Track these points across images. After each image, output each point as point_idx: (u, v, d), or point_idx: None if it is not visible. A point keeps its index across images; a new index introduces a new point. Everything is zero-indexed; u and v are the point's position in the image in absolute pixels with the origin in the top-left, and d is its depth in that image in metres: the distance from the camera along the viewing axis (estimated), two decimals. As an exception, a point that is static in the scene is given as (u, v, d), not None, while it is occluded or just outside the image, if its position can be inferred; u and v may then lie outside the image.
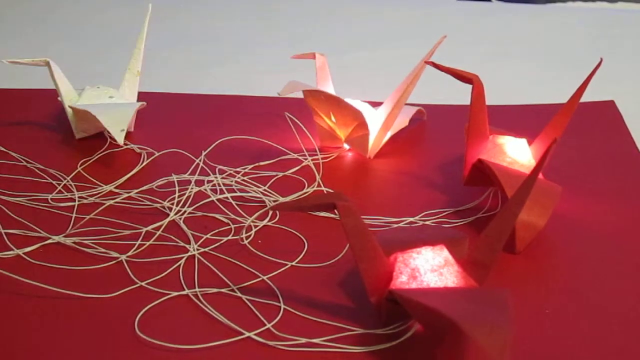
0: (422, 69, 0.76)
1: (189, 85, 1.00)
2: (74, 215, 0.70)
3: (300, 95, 0.88)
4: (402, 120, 0.84)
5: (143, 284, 0.61)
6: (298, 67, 0.88)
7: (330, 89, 0.82)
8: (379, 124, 0.79)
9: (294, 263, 0.64)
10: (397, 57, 0.89)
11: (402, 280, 0.54)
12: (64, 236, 0.66)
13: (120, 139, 0.76)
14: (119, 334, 0.56)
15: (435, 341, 0.51)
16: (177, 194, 0.72)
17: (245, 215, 0.69)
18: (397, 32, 1.24)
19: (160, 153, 0.79)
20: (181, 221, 0.69)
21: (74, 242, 0.66)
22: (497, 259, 0.54)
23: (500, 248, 0.54)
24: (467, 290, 0.54)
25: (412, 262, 0.55)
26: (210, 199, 0.72)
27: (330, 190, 0.73)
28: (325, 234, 0.66)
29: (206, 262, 0.64)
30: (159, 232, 0.67)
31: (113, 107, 0.81)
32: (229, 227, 0.68)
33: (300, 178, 0.76)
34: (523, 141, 0.71)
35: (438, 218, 0.70)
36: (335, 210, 0.54)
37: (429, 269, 0.54)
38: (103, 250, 0.65)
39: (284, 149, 0.78)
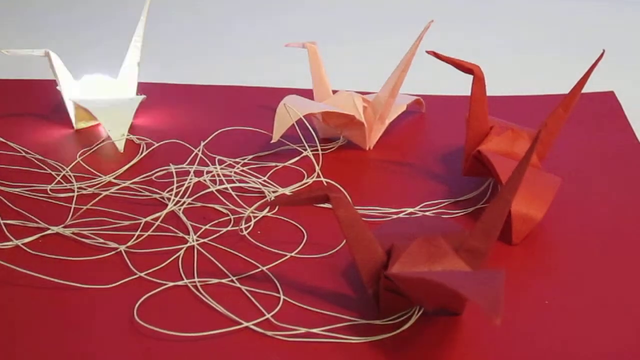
0: (413, 56, 0.76)
1: (188, 76, 1.00)
2: (73, 205, 0.69)
3: (299, 86, 0.89)
4: (400, 107, 0.84)
5: (142, 274, 0.61)
6: (295, 56, 0.88)
7: (323, 76, 0.82)
8: (375, 115, 0.79)
9: (293, 254, 0.64)
10: (392, 46, 0.89)
11: (397, 268, 0.54)
12: (63, 227, 0.66)
13: (120, 145, 0.77)
14: (118, 324, 0.56)
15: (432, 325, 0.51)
16: (175, 185, 0.71)
17: (244, 205, 0.69)
18: (391, 20, 1.24)
19: (159, 144, 0.79)
20: (180, 212, 0.69)
21: (73, 233, 0.65)
22: (492, 247, 0.54)
23: (495, 236, 0.54)
24: (462, 271, 0.54)
25: (408, 250, 0.54)
26: (209, 190, 0.71)
27: (329, 181, 0.73)
28: (325, 224, 0.66)
29: (205, 253, 0.63)
30: (157, 223, 0.67)
31: (114, 106, 0.81)
32: (229, 217, 0.68)
33: (300, 169, 0.76)
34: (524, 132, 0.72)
35: (438, 209, 0.70)
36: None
37: (425, 257, 0.54)
38: (102, 240, 0.65)
39: (284, 140, 0.78)
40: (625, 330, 0.56)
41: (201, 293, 0.59)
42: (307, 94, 0.82)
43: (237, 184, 0.73)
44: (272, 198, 0.71)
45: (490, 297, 0.44)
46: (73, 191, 0.72)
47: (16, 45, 0.87)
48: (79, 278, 0.60)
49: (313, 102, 0.80)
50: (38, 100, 0.91)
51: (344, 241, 0.63)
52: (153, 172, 0.75)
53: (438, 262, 0.54)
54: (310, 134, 0.78)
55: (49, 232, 0.66)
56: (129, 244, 0.64)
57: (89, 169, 0.76)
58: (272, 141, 0.74)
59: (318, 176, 0.75)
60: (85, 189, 0.72)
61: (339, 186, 0.72)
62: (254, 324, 0.55)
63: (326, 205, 0.65)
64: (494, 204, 0.54)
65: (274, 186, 0.73)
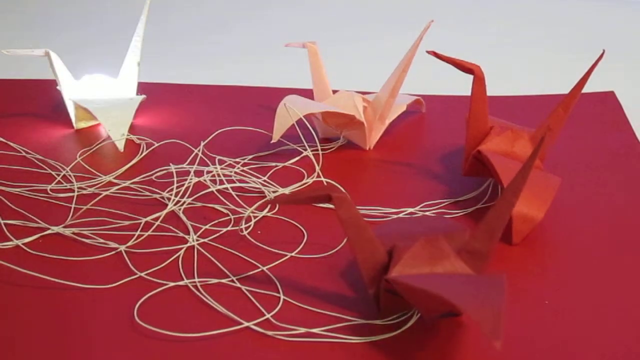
0: (413, 56, 0.76)
1: (189, 76, 1.00)
2: (73, 205, 0.69)
3: (300, 86, 0.89)
4: (400, 107, 0.84)
5: (142, 274, 0.61)
6: (295, 56, 0.88)
7: (323, 76, 0.82)
8: (375, 115, 0.79)
9: (293, 254, 0.64)
10: (392, 46, 0.89)
11: (398, 270, 0.54)
12: (63, 227, 0.66)
13: (120, 145, 0.78)
14: (119, 324, 0.56)
15: (433, 325, 0.51)
16: (175, 185, 0.71)
17: (244, 205, 0.69)
18: (391, 20, 1.24)
19: (159, 144, 0.79)
20: (180, 212, 0.68)
21: (73, 233, 0.65)
22: (494, 249, 0.54)
23: (497, 238, 0.54)
24: (463, 275, 0.54)
25: (409, 252, 0.54)
26: (209, 190, 0.71)
27: (330, 181, 0.73)
28: (325, 224, 0.66)
29: (205, 253, 0.63)
30: (157, 223, 0.67)
31: (114, 106, 0.81)
32: (229, 217, 0.68)
33: (300, 169, 0.76)
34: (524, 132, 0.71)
35: (438, 209, 0.70)
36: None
37: (426, 258, 0.54)
38: (102, 241, 0.64)
39: (284, 140, 0.78)
40: (625, 331, 0.56)
41: (201, 293, 0.59)
42: (307, 94, 0.82)
43: (237, 184, 0.73)
44: (272, 198, 0.71)
45: (491, 319, 0.44)
46: (73, 191, 0.72)
47: (16, 45, 0.86)
48: (79, 278, 0.60)
49: (313, 102, 0.80)
50: (38, 100, 0.91)
51: (344, 241, 0.63)
52: (153, 172, 0.75)
53: (440, 264, 0.54)
54: (310, 134, 0.78)
55: (49, 232, 0.66)
56: (129, 244, 0.64)
57: (89, 169, 0.76)
58: (272, 141, 0.74)
59: (318, 176, 0.75)
60: (85, 189, 0.72)
61: (339, 186, 0.72)
62: (254, 324, 0.55)
63: (327, 205, 0.65)
64: (496, 206, 0.54)
65: (274, 186, 0.73)
